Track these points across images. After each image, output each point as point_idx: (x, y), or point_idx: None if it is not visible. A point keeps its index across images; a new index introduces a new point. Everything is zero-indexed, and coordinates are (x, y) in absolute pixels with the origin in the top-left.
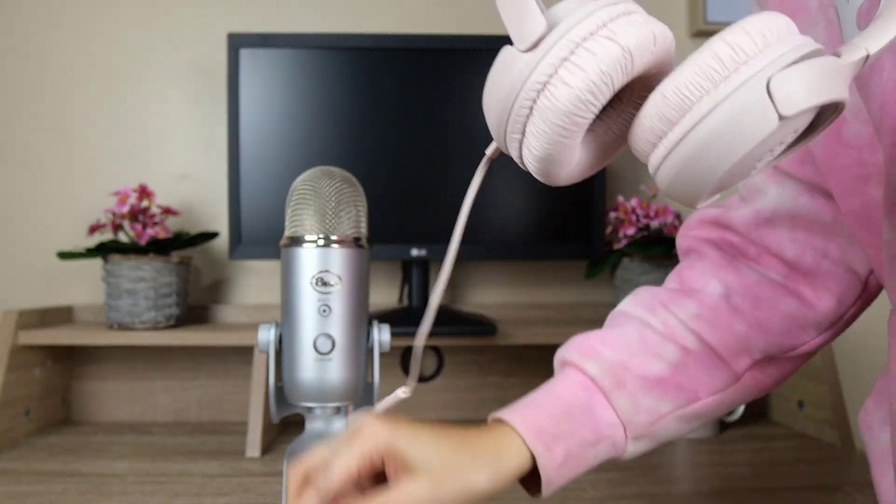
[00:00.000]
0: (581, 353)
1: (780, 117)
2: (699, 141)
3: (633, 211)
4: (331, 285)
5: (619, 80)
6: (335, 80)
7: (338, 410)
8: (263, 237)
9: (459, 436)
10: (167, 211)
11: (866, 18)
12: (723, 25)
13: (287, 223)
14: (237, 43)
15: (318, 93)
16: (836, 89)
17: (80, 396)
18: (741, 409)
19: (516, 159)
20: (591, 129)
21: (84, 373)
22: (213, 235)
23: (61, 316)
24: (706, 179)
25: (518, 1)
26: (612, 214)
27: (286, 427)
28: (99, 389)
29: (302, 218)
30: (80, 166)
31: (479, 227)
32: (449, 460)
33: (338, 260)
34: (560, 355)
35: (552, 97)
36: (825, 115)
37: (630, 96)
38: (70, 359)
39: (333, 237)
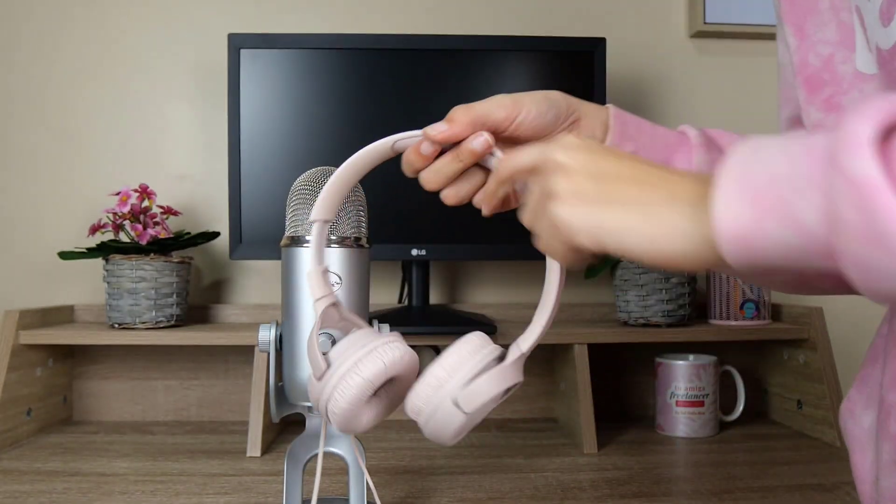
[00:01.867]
0: (691, 125)
1: (466, 413)
2: (431, 432)
3: None
4: (331, 285)
5: (367, 392)
6: (335, 80)
7: None
8: (264, 237)
9: None
10: (168, 211)
11: (887, 15)
12: (722, 26)
13: (287, 223)
14: (237, 43)
15: (318, 93)
16: (500, 384)
17: (82, 396)
18: (741, 408)
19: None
20: (371, 403)
21: (85, 372)
22: (214, 235)
23: (62, 316)
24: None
25: (312, 349)
26: None
27: (286, 426)
28: (100, 389)
29: (302, 218)
30: (81, 166)
31: (479, 227)
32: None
33: (338, 260)
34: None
35: (335, 405)
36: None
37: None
38: (71, 358)
39: (333, 237)
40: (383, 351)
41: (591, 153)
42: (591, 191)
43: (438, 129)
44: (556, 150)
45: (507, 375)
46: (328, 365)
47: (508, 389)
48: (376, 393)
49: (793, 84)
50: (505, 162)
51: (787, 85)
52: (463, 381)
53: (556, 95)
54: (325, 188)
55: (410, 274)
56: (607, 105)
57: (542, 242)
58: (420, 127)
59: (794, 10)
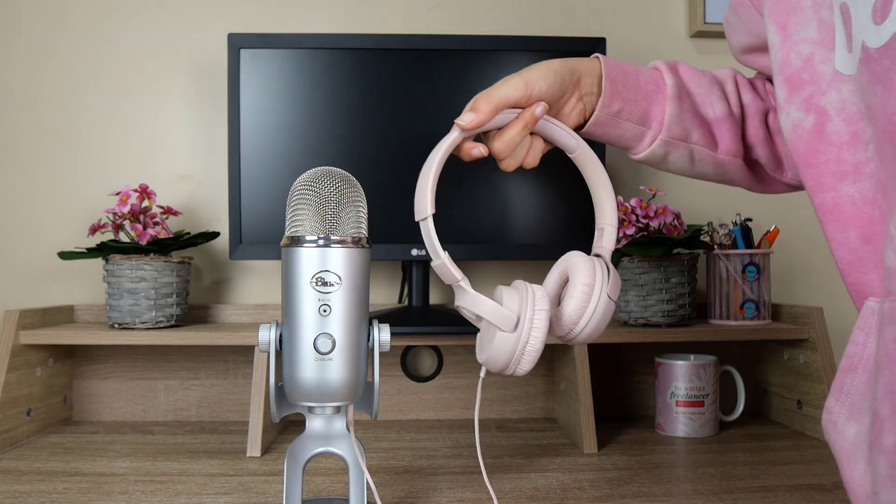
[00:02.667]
0: (668, 66)
1: (612, 300)
2: (591, 331)
3: (633, 211)
4: (331, 285)
5: (549, 325)
6: (335, 80)
7: (338, 410)
8: (264, 237)
9: None
10: (168, 211)
11: (882, 13)
12: (722, 26)
13: (287, 223)
14: (237, 43)
15: (318, 93)
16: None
17: (82, 396)
18: (741, 408)
19: (507, 373)
20: None
21: (85, 372)
22: (214, 235)
23: (62, 315)
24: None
25: (493, 309)
26: None
27: (286, 426)
28: (100, 389)
29: (302, 218)
30: (81, 166)
31: (479, 227)
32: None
33: (338, 260)
34: (652, 63)
35: (531, 346)
36: None
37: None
38: (71, 358)
39: (333, 237)
40: (540, 289)
41: None
42: None
43: (468, 119)
44: None
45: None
46: (517, 316)
47: None
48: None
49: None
50: None
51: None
52: (605, 279)
53: (556, 65)
54: (424, 187)
55: (410, 274)
56: (596, 56)
57: None
58: (418, 127)
59: (778, 9)
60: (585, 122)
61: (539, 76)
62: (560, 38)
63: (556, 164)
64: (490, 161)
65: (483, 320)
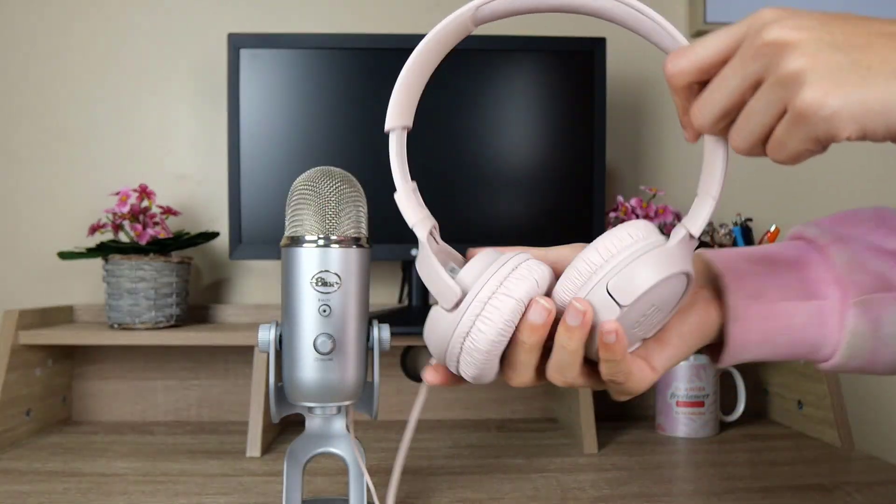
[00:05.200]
0: (803, 224)
1: (621, 306)
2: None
3: (633, 211)
4: (331, 285)
5: (517, 319)
6: (335, 80)
7: (338, 410)
8: (263, 237)
9: None
10: (168, 211)
11: None
12: (722, 26)
13: (287, 223)
14: (237, 43)
15: (318, 93)
16: (664, 270)
17: (81, 396)
18: (741, 408)
19: (454, 373)
20: None
21: (85, 372)
22: (214, 235)
23: (62, 316)
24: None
25: (434, 274)
26: (612, 214)
27: (286, 427)
28: (100, 389)
29: (302, 218)
30: (81, 166)
31: (479, 227)
32: None
33: (338, 260)
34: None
35: (475, 341)
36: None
37: None
38: (71, 358)
39: (333, 237)
40: (530, 267)
41: (816, 20)
42: (845, 64)
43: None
44: (770, 25)
45: (670, 260)
46: (463, 290)
47: (678, 282)
48: None
49: None
50: (676, 59)
51: None
52: (619, 265)
53: None
54: (397, 87)
55: (410, 274)
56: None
57: (774, 141)
58: (418, 129)
59: None
60: (715, 337)
61: None
62: (560, 38)
63: (556, 162)
64: (498, 156)
65: None
